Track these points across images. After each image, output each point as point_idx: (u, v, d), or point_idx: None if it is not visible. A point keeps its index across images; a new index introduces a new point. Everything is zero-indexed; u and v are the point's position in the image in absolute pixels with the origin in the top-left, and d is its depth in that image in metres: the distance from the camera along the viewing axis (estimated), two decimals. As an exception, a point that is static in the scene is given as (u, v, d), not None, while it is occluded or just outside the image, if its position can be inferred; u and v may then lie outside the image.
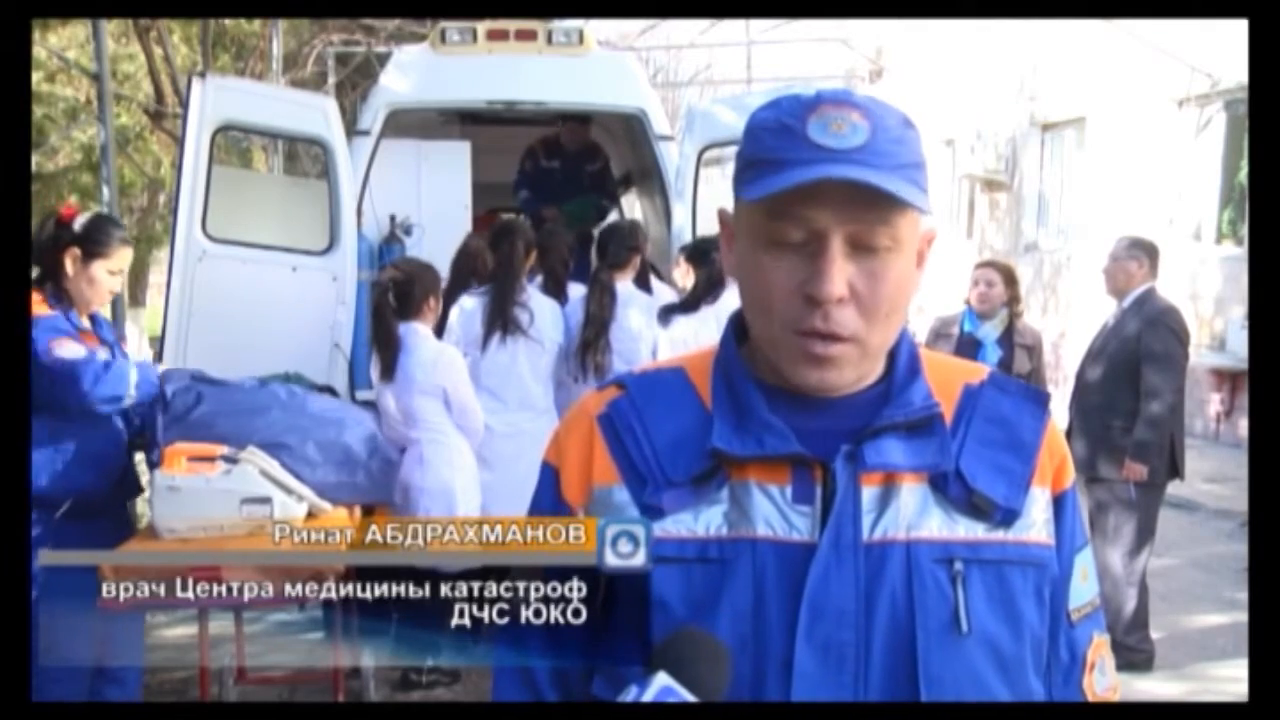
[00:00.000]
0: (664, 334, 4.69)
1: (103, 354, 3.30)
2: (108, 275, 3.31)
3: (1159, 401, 4.69)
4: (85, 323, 3.37)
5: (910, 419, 1.07)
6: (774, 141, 1.03)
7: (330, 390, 4.49)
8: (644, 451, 1.10)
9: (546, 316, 4.67)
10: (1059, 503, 1.12)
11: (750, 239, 1.07)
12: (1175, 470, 4.87)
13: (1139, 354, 4.72)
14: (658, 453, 1.10)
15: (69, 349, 3.15)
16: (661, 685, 0.96)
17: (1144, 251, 4.88)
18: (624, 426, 1.12)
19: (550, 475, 1.15)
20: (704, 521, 1.06)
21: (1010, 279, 5.31)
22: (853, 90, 1.07)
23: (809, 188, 0.99)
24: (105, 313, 3.49)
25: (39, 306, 3.20)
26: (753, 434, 1.07)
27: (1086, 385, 4.94)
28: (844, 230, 1.01)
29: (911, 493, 1.06)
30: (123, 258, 3.37)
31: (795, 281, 1.03)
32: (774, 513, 1.05)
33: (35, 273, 3.32)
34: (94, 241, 3.27)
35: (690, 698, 0.95)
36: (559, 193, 6.31)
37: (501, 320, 4.53)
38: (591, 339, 4.70)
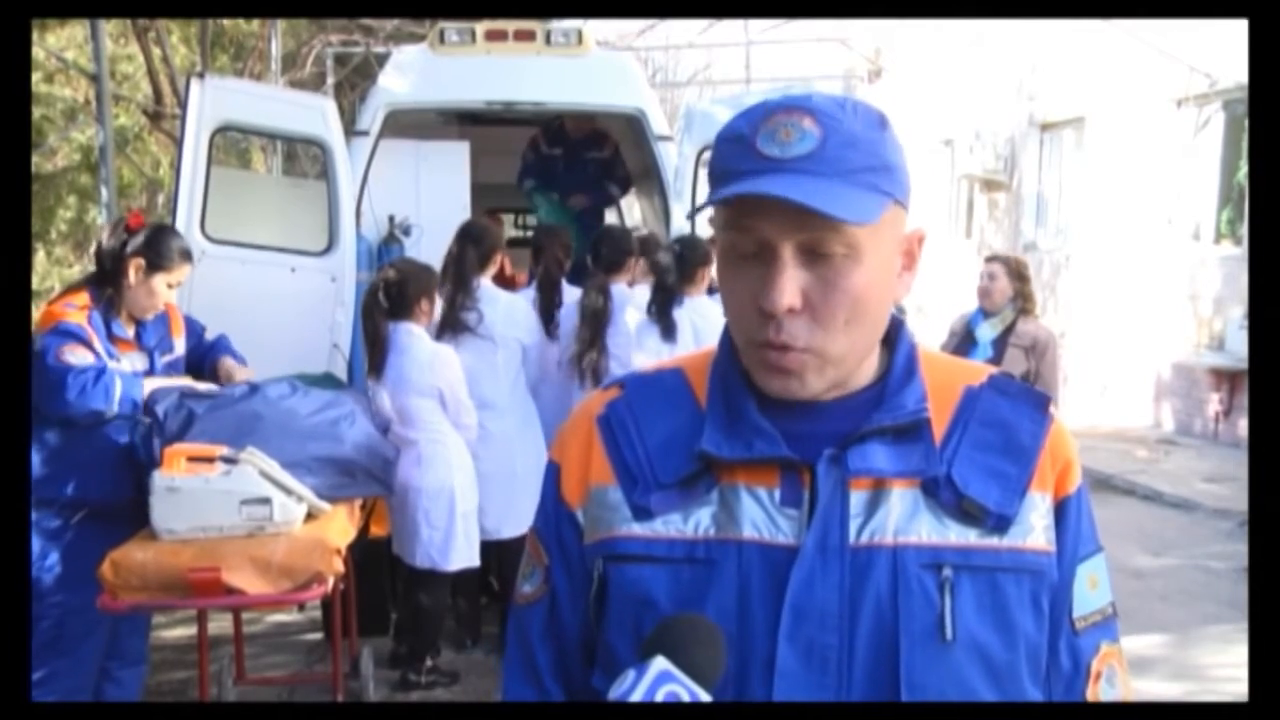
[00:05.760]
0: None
1: (120, 364, 3.32)
2: (166, 288, 3.41)
3: None
4: (128, 331, 3.43)
5: (898, 424, 1.07)
6: (728, 152, 1.03)
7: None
8: (636, 452, 1.11)
9: (500, 314, 4.62)
10: (1061, 508, 1.10)
11: (718, 250, 1.08)
12: None
13: None
14: (649, 454, 1.10)
15: (77, 355, 3.17)
16: (660, 670, 0.95)
17: None
18: (619, 427, 1.13)
19: (553, 473, 1.17)
20: (693, 523, 1.07)
21: (1017, 273, 5.16)
22: (818, 93, 1.05)
23: (754, 199, 0.99)
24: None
25: (78, 314, 3.24)
26: (742, 437, 1.07)
27: None
28: (793, 240, 1.00)
29: (901, 497, 1.05)
30: (183, 271, 3.46)
31: (750, 293, 1.03)
32: (761, 515, 1.05)
33: (91, 273, 3.42)
34: (158, 254, 3.36)
35: (687, 681, 0.95)
36: (562, 180, 6.30)
37: (450, 320, 4.52)
38: (587, 341, 4.70)
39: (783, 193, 0.97)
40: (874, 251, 1.03)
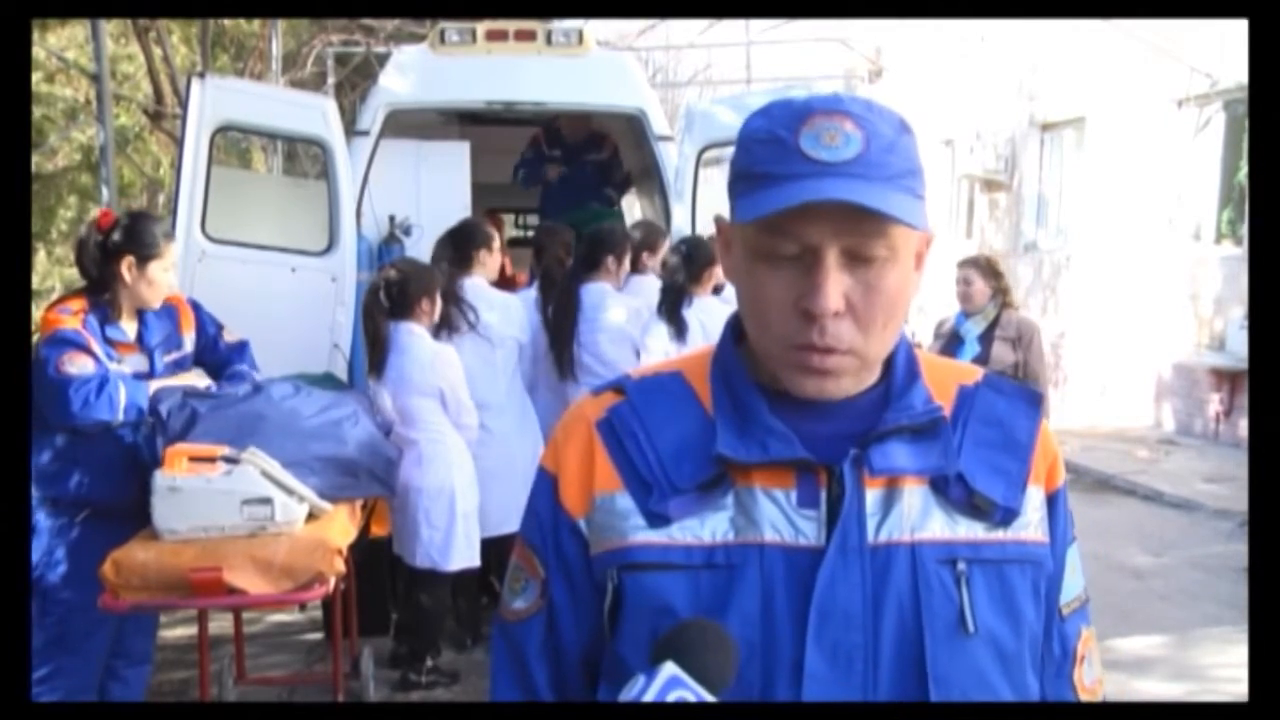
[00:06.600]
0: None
1: (121, 366, 3.32)
2: (163, 273, 3.39)
3: None
4: (128, 332, 3.40)
5: (915, 422, 1.08)
6: (766, 154, 1.02)
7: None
8: (648, 458, 1.09)
9: (496, 313, 4.66)
10: (1052, 501, 1.14)
11: (744, 250, 1.06)
12: None
13: None
14: (662, 459, 1.08)
15: (78, 364, 3.16)
16: (669, 675, 0.95)
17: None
18: (626, 433, 1.11)
19: (548, 482, 1.14)
20: (710, 528, 1.06)
21: (990, 272, 5.30)
22: (844, 95, 1.05)
23: (801, 202, 0.99)
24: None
25: (73, 319, 3.23)
26: (756, 439, 1.06)
27: None
28: (839, 243, 1.00)
29: (913, 495, 1.06)
30: (172, 252, 3.45)
31: (791, 295, 1.02)
32: (780, 517, 1.05)
33: (83, 282, 3.38)
34: (143, 245, 3.33)
35: (697, 687, 0.95)
36: (560, 180, 6.32)
37: (445, 319, 4.53)
38: (560, 336, 4.75)
39: (851, 197, 0.97)
40: (906, 254, 1.05)
